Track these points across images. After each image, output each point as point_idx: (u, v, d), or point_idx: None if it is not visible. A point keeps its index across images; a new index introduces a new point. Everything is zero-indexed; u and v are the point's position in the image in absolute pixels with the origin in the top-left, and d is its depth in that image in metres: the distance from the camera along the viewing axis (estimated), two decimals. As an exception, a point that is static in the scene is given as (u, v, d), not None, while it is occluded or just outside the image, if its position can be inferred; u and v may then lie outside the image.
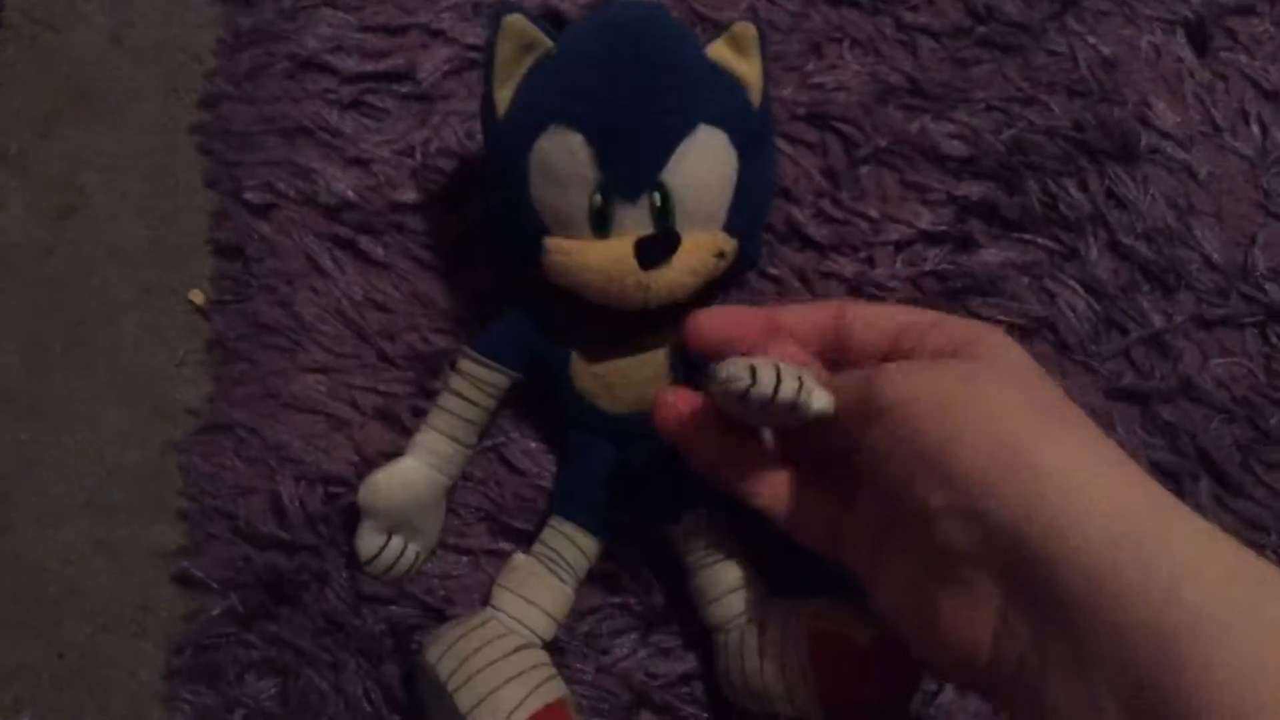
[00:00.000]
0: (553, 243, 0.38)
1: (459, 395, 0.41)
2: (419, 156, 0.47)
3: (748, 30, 0.38)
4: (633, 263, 0.36)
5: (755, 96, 0.39)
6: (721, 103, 0.38)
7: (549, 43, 0.38)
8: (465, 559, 0.44)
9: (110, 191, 0.50)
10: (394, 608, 0.43)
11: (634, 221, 0.37)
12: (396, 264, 0.46)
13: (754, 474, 0.35)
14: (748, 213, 0.39)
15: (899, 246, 0.45)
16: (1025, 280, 0.45)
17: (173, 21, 0.52)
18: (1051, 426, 0.27)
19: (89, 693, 0.45)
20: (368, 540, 0.41)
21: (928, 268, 0.45)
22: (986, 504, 0.26)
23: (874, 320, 0.34)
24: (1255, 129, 0.46)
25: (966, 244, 0.45)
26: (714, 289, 0.42)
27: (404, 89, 0.48)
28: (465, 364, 0.41)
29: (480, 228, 0.46)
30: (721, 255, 0.38)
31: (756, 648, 0.37)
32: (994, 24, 0.47)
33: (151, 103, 0.51)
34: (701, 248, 0.37)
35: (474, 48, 0.48)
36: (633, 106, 0.36)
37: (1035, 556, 0.25)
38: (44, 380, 0.48)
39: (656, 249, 0.36)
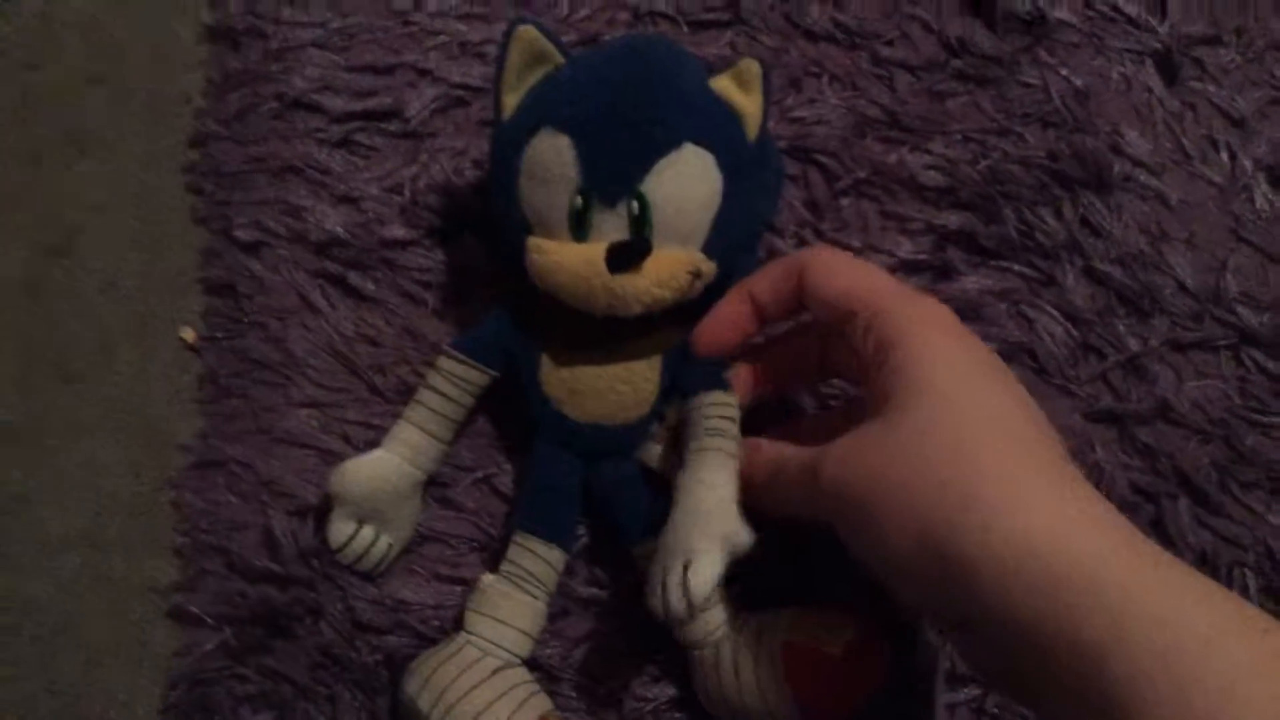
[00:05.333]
0: (533, 242, 0.39)
1: (436, 391, 0.42)
2: (408, 193, 0.47)
3: (751, 67, 0.40)
4: (603, 266, 0.37)
5: (751, 129, 0.40)
6: (713, 127, 0.39)
7: (560, 58, 0.40)
8: (459, 589, 0.44)
9: (101, 228, 0.50)
10: (389, 638, 0.43)
11: (612, 228, 0.38)
12: (386, 299, 0.47)
13: None
14: (729, 237, 0.40)
15: (880, 275, 0.46)
16: (1004, 307, 0.46)
17: (160, 62, 0.52)
18: (968, 493, 0.29)
19: (84, 729, 0.45)
20: (337, 528, 0.42)
21: (908, 296, 0.46)
22: (920, 595, 0.31)
23: (824, 295, 0.37)
24: (1224, 156, 0.47)
25: (946, 272, 0.46)
26: (696, 313, 0.43)
27: (392, 127, 0.49)
28: (444, 361, 0.42)
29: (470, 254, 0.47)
30: (697, 275, 0.39)
31: (732, 665, 0.38)
32: (968, 57, 0.48)
33: (139, 142, 0.51)
34: (675, 262, 0.38)
35: (461, 86, 0.49)
36: (621, 116, 0.37)
37: (960, 634, 0.31)
38: (37, 415, 0.48)
39: (626, 255, 0.37)
